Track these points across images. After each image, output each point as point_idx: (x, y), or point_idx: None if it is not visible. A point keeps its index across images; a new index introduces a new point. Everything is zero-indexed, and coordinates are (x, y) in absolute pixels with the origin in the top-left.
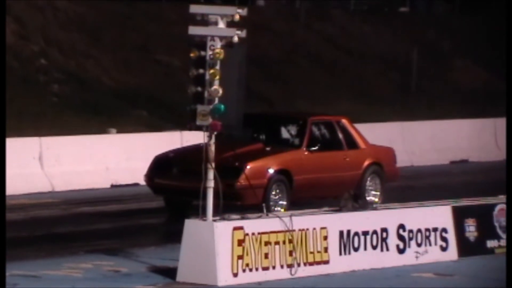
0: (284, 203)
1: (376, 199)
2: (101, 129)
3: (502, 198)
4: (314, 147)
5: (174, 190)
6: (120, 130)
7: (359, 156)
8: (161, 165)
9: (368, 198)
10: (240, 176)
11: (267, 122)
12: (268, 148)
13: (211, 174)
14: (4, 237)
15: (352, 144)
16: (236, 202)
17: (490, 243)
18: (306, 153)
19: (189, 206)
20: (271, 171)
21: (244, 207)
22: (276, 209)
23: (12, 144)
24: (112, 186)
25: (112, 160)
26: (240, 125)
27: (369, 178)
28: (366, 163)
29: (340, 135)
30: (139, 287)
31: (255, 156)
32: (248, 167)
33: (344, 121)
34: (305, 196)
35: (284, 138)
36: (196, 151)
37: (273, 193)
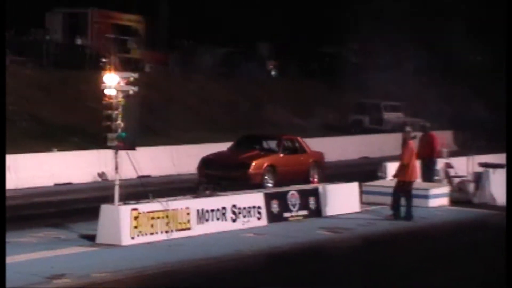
0: (273, 181)
1: (316, 179)
2: (48, 149)
3: (293, 187)
4: (285, 152)
5: (213, 176)
6: (60, 149)
7: (307, 157)
8: (206, 162)
9: (311, 179)
10: (250, 168)
11: (260, 139)
12: (262, 153)
13: (118, 177)
14: (4, 237)
15: (303, 150)
16: (248, 182)
17: (286, 214)
18: (281, 155)
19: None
20: (265, 165)
21: (252, 185)
22: (267, 184)
23: None
24: (55, 184)
25: (55, 167)
26: (135, 145)
27: (312, 169)
28: (311, 160)
29: (297, 145)
30: (72, 247)
31: (256, 157)
32: (253, 163)
33: (299, 138)
34: (283, 179)
35: (270, 147)
36: (223, 154)
37: (266, 177)
